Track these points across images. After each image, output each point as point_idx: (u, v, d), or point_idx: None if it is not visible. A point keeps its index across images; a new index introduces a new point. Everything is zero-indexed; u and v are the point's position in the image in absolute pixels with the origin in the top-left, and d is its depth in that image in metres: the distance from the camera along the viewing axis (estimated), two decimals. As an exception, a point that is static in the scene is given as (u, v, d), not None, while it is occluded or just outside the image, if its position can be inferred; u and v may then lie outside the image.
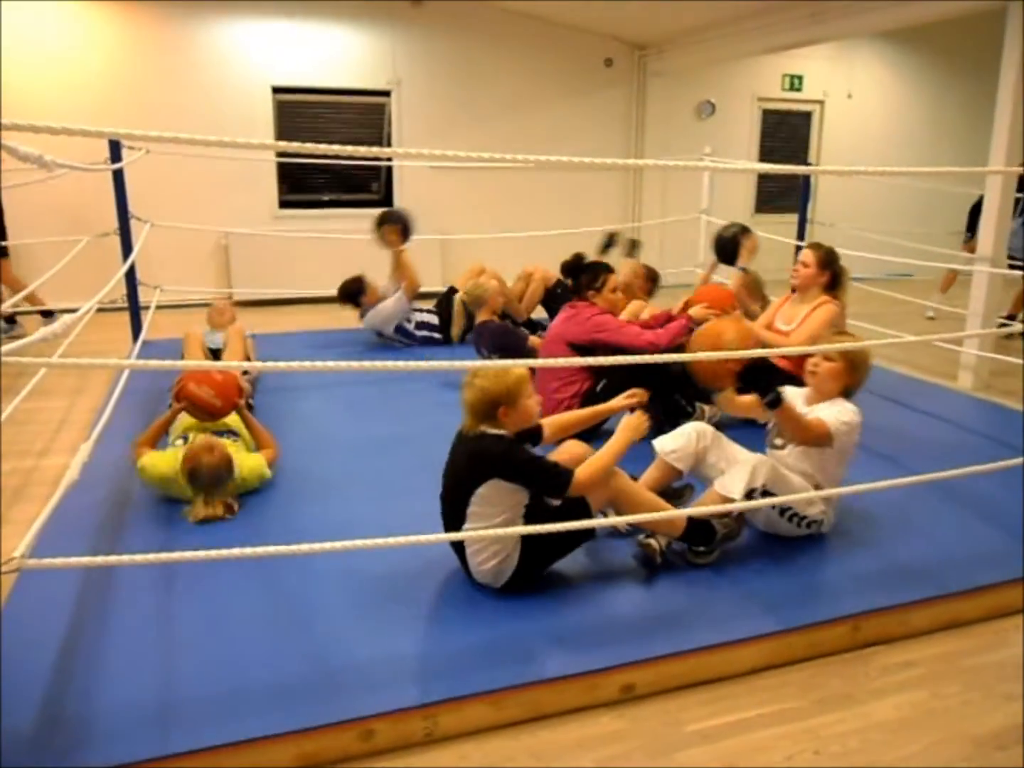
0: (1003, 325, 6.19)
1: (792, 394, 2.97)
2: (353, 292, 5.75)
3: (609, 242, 5.74)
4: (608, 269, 4.13)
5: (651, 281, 5.36)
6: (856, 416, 2.77)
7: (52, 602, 2.39)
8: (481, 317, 4.85)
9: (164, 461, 3.05)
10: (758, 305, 4.69)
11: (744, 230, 4.93)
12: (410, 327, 5.74)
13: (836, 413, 2.74)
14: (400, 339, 5.73)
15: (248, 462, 3.15)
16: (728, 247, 4.89)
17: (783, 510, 2.74)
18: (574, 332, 3.92)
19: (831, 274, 3.95)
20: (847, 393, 2.85)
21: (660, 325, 4.02)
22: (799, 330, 3.89)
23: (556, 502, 2.51)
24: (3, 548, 1.93)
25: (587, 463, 2.49)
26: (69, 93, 7.07)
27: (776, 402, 2.57)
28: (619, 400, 2.87)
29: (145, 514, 3.02)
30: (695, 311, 4.01)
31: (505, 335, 4.74)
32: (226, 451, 3.03)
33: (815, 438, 2.71)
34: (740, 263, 4.88)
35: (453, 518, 2.46)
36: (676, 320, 3.97)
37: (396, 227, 5.62)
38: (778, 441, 2.94)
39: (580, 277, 4.12)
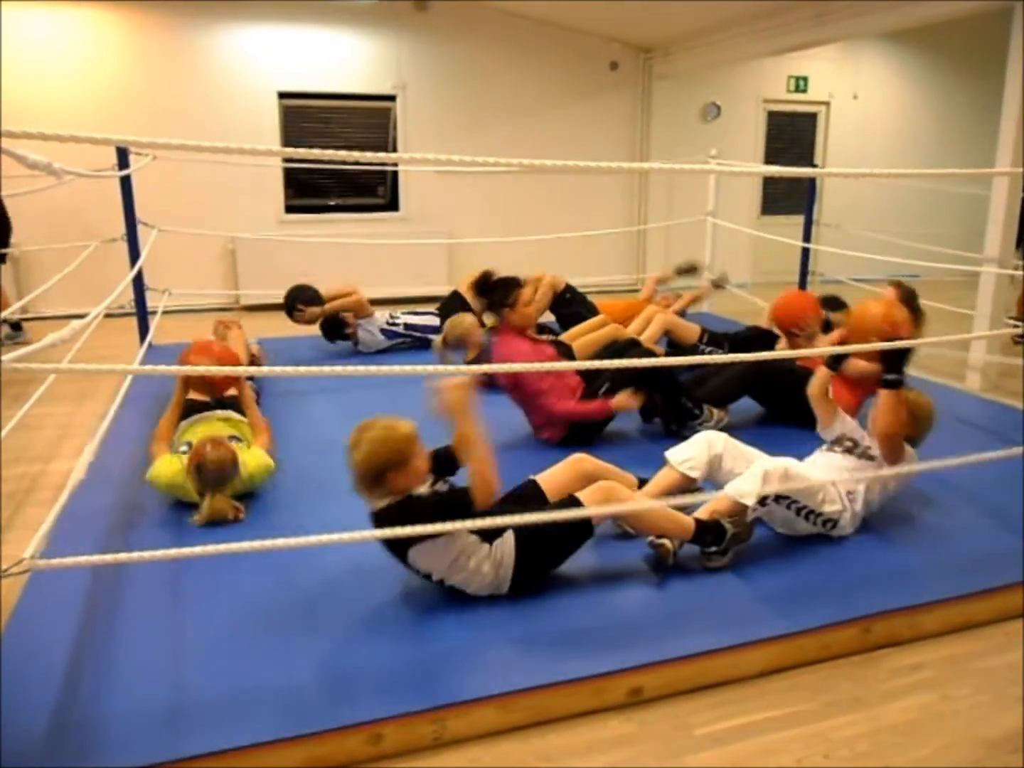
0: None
1: (853, 427, 3.08)
2: (337, 329, 5.62)
3: (688, 269, 5.78)
4: (519, 284, 3.87)
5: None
6: (914, 460, 2.88)
7: (62, 604, 2.40)
8: (469, 358, 4.64)
9: (170, 466, 3.07)
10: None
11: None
12: (398, 328, 5.69)
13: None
14: (397, 342, 5.70)
15: (254, 459, 3.15)
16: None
17: (798, 508, 2.74)
18: (502, 378, 3.78)
19: (913, 314, 3.87)
20: (909, 442, 2.92)
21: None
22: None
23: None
24: (14, 551, 1.94)
25: (473, 466, 2.32)
26: (75, 100, 7.11)
27: (898, 383, 2.72)
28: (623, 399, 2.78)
29: (153, 517, 3.03)
30: (617, 402, 3.67)
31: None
32: (231, 447, 3.06)
33: (897, 445, 2.81)
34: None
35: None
36: (602, 403, 3.69)
37: (305, 305, 5.54)
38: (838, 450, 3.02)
39: (492, 295, 3.89)
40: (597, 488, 2.56)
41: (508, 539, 2.40)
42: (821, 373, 3.14)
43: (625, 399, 3.61)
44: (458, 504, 2.29)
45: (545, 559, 2.51)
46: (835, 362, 3.14)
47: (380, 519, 2.30)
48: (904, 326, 2.87)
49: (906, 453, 2.86)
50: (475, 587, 2.42)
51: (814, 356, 4.16)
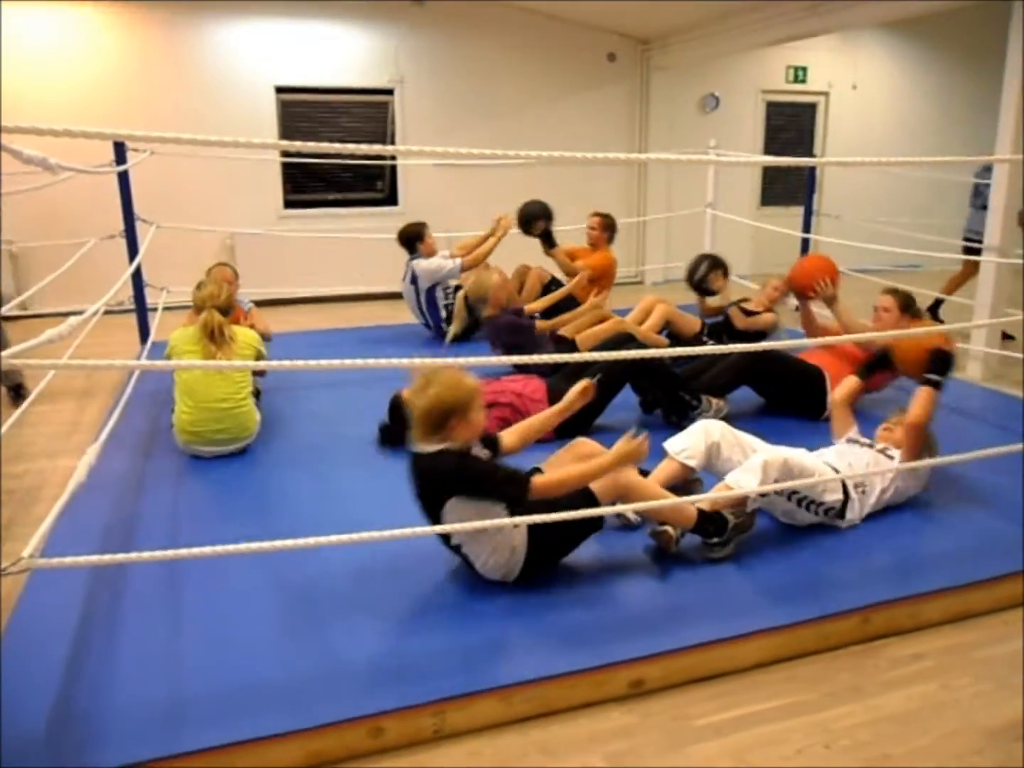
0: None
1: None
2: (413, 236, 5.73)
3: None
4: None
5: (609, 230, 5.76)
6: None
7: (62, 602, 2.40)
8: (487, 312, 4.83)
9: (184, 332, 3.68)
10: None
11: (714, 264, 5.04)
12: (440, 300, 5.73)
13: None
14: (423, 307, 5.74)
15: (243, 331, 3.76)
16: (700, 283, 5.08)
17: (799, 499, 2.74)
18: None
19: (911, 319, 3.85)
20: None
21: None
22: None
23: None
24: (15, 549, 1.94)
25: (556, 473, 2.43)
26: (72, 97, 7.09)
27: (939, 384, 2.91)
28: (573, 395, 2.71)
29: (154, 516, 3.03)
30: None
31: (519, 332, 4.67)
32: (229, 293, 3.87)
33: (922, 430, 2.94)
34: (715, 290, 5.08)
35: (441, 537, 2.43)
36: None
37: (509, 217, 5.75)
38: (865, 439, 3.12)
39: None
40: (583, 442, 2.62)
41: (523, 527, 2.42)
42: (851, 383, 3.29)
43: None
44: (513, 480, 2.32)
45: (556, 548, 2.51)
46: (868, 372, 3.32)
47: (432, 458, 2.31)
48: (950, 343, 3.08)
49: (929, 449, 2.97)
50: (486, 563, 2.42)
51: (811, 347, 4.20)
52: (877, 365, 3.38)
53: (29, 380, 4.51)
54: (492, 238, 5.71)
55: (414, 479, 2.39)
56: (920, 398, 2.94)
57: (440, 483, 2.33)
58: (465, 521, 2.30)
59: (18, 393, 4.45)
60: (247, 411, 3.59)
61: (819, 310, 4.43)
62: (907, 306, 3.87)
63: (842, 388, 3.32)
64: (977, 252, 5.80)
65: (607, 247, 5.84)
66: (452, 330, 5.47)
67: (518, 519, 2.27)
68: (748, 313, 4.80)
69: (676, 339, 4.99)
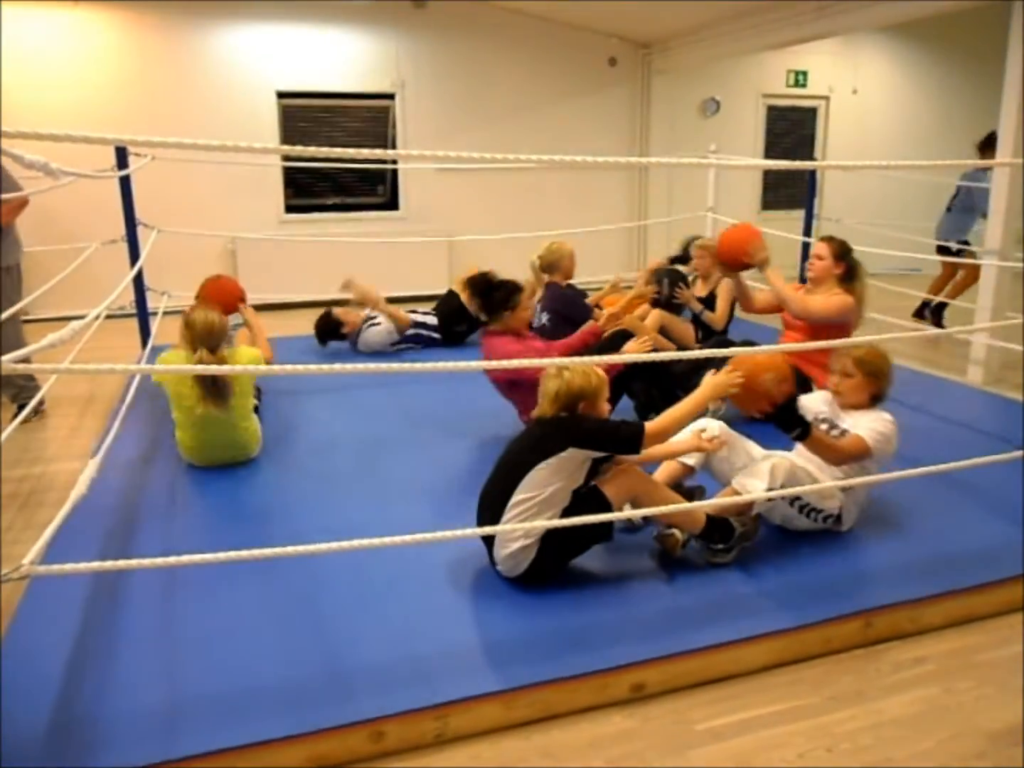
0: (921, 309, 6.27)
1: (818, 399, 3.02)
2: (332, 330, 5.66)
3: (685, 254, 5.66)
4: (519, 288, 3.86)
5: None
6: (892, 425, 2.80)
7: (62, 608, 2.40)
8: (552, 279, 4.90)
9: (175, 359, 3.41)
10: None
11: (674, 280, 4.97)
12: (408, 334, 5.70)
13: (872, 425, 2.76)
14: (399, 348, 5.70)
15: (245, 353, 3.53)
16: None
17: (800, 506, 2.74)
18: (496, 373, 3.75)
19: (846, 266, 3.93)
20: (876, 399, 2.88)
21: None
22: (816, 303, 3.88)
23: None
24: (15, 554, 1.94)
25: (660, 417, 2.57)
26: (73, 101, 7.11)
27: (804, 436, 2.62)
28: (718, 383, 2.65)
29: (154, 522, 3.03)
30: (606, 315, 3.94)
31: (572, 305, 4.74)
32: (221, 313, 3.47)
33: (854, 456, 2.74)
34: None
35: (493, 500, 2.49)
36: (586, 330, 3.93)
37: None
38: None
39: (493, 297, 3.82)
40: (618, 471, 2.59)
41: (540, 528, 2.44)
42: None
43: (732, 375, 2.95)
44: (625, 432, 2.49)
45: (563, 551, 2.51)
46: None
47: (557, 418, 2.49)
48: (782, 379, 2.64)
49: (879, 420, 2.78)
50: (511, 543, 2.44)
51: (810, 351, 4.18)
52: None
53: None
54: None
55: (527, 435, 2.58)
56: (817, 454, 2.74)
57: (563, 432, 2.45)
58: (547, 481, 2.41)
59: (35, 411, 4.49)
60: (250, 435, 3.52)
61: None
62: (842, 254, 3.93)
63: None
64: (948, 253, 5.89)
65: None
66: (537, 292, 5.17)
67: (545, 523, 2.33)
68: (703, 301, 4.88)
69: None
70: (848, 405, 2.90)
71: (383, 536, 2.06)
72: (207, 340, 3.30)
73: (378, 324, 5.62)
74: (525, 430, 2.59)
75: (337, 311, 5.66)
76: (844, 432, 2.84)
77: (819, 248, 4.00)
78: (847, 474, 2.79)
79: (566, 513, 2.41)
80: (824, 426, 2.90)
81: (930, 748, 1.97)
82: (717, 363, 3.96)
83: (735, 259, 4.10)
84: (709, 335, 4.79)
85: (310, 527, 2.93)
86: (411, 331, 5.69)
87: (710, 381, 2.65)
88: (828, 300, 3.88)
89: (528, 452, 2.48)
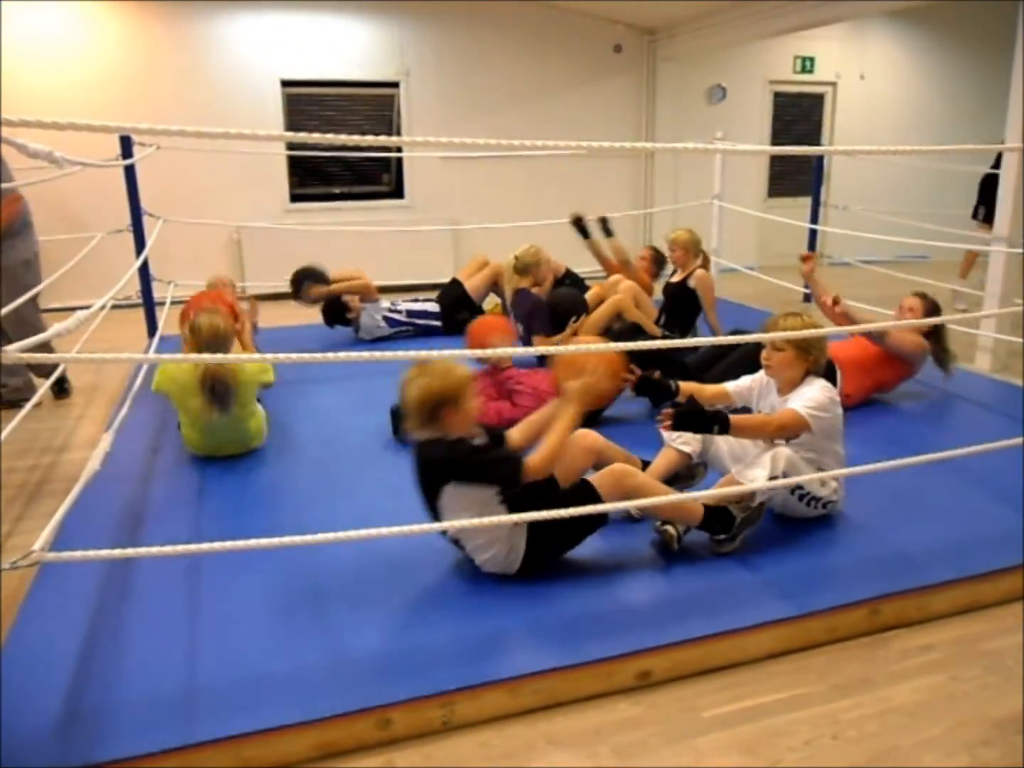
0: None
1: (752, 387, 2.97)
2: (338, 313, 5.67)
3: (606, 228, 5.60)
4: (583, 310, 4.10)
5: (657, 264, 5.65)
6: (828, 392, 2.74)
7: (73, 595, 2.41)
8: (522, 284, 4.87)
9: (177, 367, 3.31)
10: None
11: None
12: (400, 316, 5.71)
13: (805, 399, 2.69)
14: (400, 330, 5.70)
15: (252, 365, 3.36)
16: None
17: (801, 495, 2.73)
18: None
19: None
20: (812, 373, 2.80)
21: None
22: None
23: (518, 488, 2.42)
24: (25, 542, 1.95)
25: (540, 451, 2.41)
26: (76, 91, 7.09)
27: (724, 429, 2.55)
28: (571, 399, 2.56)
29: (163, 508, 3.04)
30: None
31: (538, 315, 4.68)
32: (227, 318, 3.33)
33: (791, 431, 2.67)
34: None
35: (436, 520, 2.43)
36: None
37: (312, 284, 5.55)
38: None
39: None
40: (608, 472, 2.56)
41: (522, 524, 2.40)
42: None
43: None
44: (508, 460, 2.36)
45: (557, 544, 2.51)
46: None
47: (427, 446, 2.35)
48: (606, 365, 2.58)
49: (812, 392, 2.71)
50: (484, 557, 2.43)
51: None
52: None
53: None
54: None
55: (414, 469, 2.41)
56: (749, 438, 2.76)
57: (434, 470, 2.35)
58: (461, 510, 2.31)
59: (61, 388, 4.52)
60: (254, 431, 3.52)
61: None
62: (933, 311, 4.04)
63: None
64: None
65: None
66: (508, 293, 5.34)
67: (516, 516, 2.25)
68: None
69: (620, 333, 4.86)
70: (783, 382, 2.81)
71: (390, 526, 2.06)
72: (214, 346, 3.22)
73: (373, 312, 5.66)
74: (414, 454, 2.41)
75: (345, 296, 5.65)
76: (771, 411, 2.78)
77: (911, 302, 4.15)
78: (806, 446, 2.72)
79: (553, 505, 2.29)
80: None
81: (936, 736, 1.97)
82: (732, 351, 3.98)
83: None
84: (677, 320, 4.80)
85: (316, 516, 2.94)
86: (407, 317, 5.70)
87: (564, 403, 2.48)
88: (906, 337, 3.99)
89: (422, 482, 2.38)
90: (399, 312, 5.72)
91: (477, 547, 2.43)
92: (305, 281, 5.52)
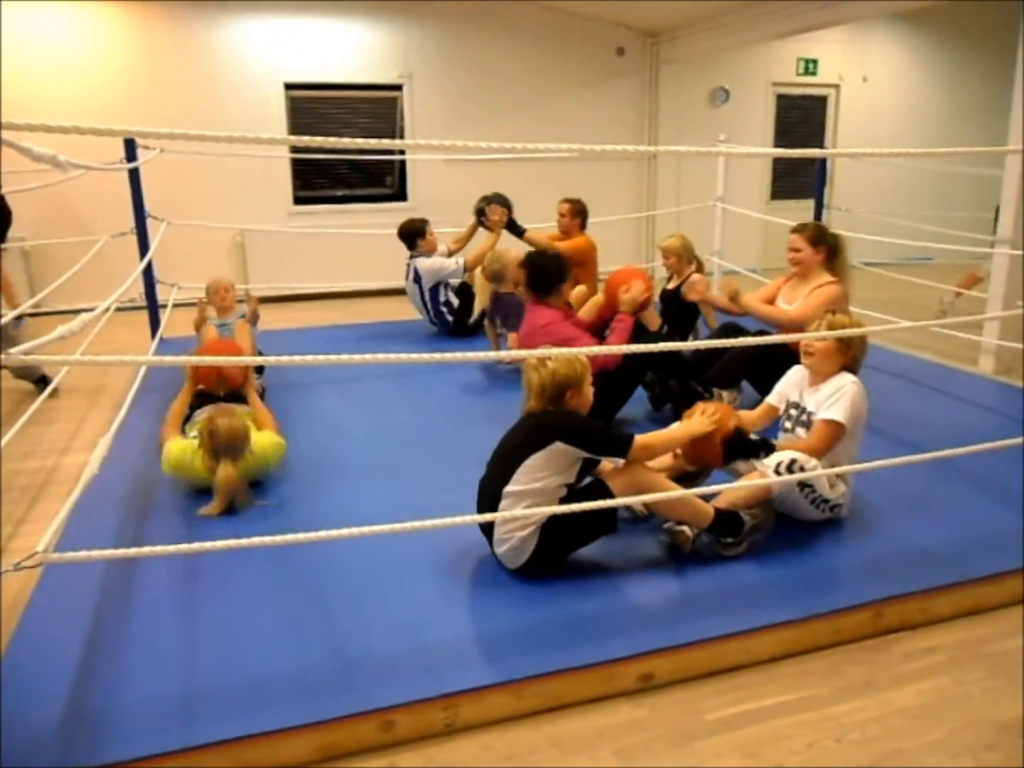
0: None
1: (791, 381, 3.02)
2: (414, 233, 5.74)
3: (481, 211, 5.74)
4: (569, 264, 4.09)
5: (580, 215, 5.69)
6: (859, 390, 2.79)
7: (75, 597, 2.42)
8: (503, 289, 4.89)
9: (179, 446, 3.10)
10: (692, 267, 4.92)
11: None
12: (442, 297, 5.73)
13: (835, 398, 2.75)
14: (427, 304, 5.73)
15: (265, 438, 3.18)
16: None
17: (811, 496, 2.74)
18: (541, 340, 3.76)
19: (826, 249, 3.90)
20: (848, 369, 2.86)
21: (604, 325, 4.06)
22: (798, 308, 3.86)
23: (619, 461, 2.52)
24: (28, 544, 1.95)
25: (653, 434, 2.62)
26: (80, 95, 7.11)
27: (770, 452, 2.69)
28: (700, 423, 2.72)
29: (166, 509, 3.04)
30: (625, 300, 3.89)
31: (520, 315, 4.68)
32: (244, 418, 3.15)
33: (832, 443, 2.75)
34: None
35: (490, 490, 2.51)
36: (620, 322, 3.87)
37: (501, 209, 5.62)
38: (788, 425, 2.97)
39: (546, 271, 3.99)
40: (624, 466, 2.57)
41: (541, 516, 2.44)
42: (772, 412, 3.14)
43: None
44: (615, 438, 2.48)
45: (566, 543, 2.51)
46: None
47: (547, 413, 2.51)
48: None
49: (845, 396, 2.76)
50: (505, 548, 2.46)
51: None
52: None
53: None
54: (493, 235, 5.64)
55: (518, 428, 2.57)
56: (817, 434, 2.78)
57: (557, 426, 2.46)
58: (537, 480, 2.42)
59: (44, 382, 4.50)
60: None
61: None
62: (817, 240, 3.91)
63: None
64: None
65: (581, 232, 5.72)
66: (477, 306, 5.52)
67: (526, 512, 2.32)
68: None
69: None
70: (818, 373, 2.87)
71: (392, 523, 2.07)
72: (231, 452, 3.00)
73: (445, 259, 5.74)
74: (517, 422, 2.60)
75: (430, 228, 5.78)
76: (810, 415, 2.85)
77: (794, 241, 3.96)
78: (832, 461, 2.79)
79: (567, 502, 2.41)
80: (794, 411, 2.94)
81: (939, 739, 1.97)
82: (726, 353, 3.98)
83: (612, 300, 4.07)
84: (677, 325, 4.79)
85: (319, 516, 2.93)
86: (443, 296, 5.73)
87: (697, 417, 2.71)
88: (808, 302, 3.82)
89: (519, 445, 2.50)
90: (445, 294, 5.75)
91: (506, 535, 2.45)
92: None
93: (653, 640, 2.18)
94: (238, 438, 3.01)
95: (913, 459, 2.72)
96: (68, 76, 7.09)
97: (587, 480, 2.57)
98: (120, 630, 2.26)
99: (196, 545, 1.98)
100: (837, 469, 2.73)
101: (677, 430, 2.70)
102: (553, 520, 2.40)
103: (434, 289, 5.70)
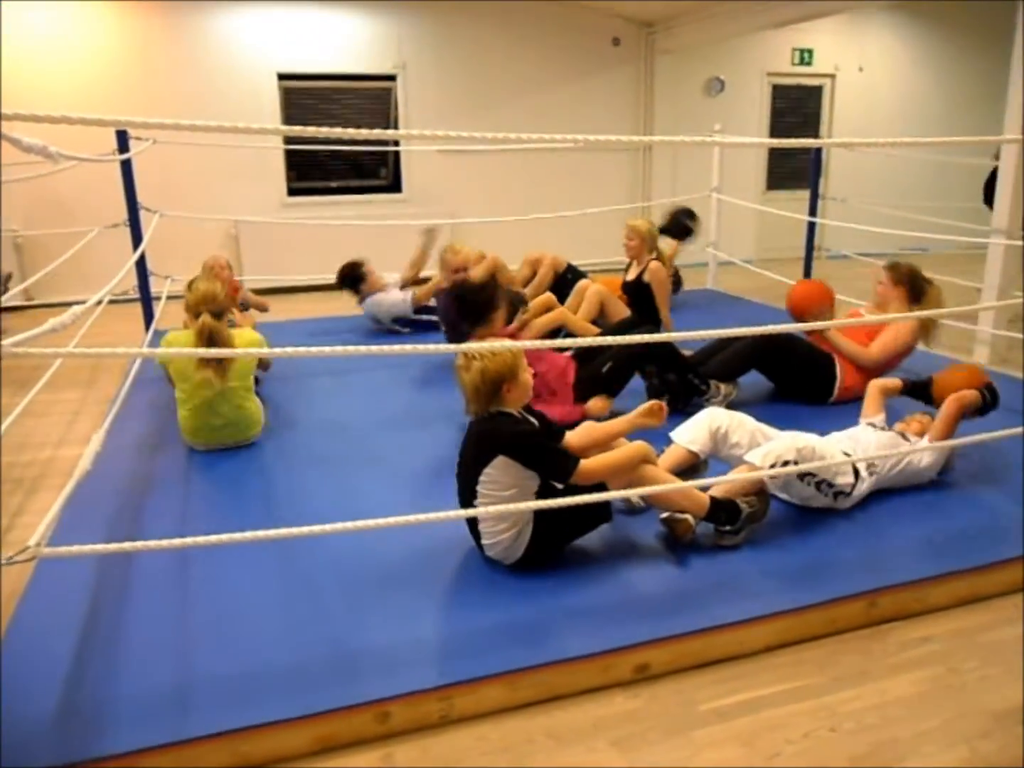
0: None
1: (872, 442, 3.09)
2: (353, 278, 5.66)
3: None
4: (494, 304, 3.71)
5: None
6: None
7: (69, 590, 2.41)
8: (444, 284, 4.81)
9: (179, 335, 3.48)
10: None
11: None
12: (409, 317, 5.67)
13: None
14: (398, 328, 5.67)
15: (243, 336, 3.49)
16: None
17: (818, 483, 2.75)
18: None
19: (908, 290, 4.02)
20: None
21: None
22: (874, 358, 3.99)
23: (559, 485, 2.49)
24: (22, 537, 1.94)
25: (598, 457, 2.52)
26: (72, 86, 7.08)
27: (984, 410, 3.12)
28: (640, 416, 2.77)
29: (160, 502, 3.04)
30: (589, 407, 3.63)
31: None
32: (225, 285, 3.55)
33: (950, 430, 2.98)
34: None
35: (466, 497, 2.49)
36: (571, 409, 3.59)
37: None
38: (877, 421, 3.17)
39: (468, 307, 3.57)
40: (577, 432, 2.63)
41: (529, 513, 2.42)
42: (896, 382, 3.39)
43: (597, 404, 3.60)
44: (559, 461, 2.43)
45: (561, 534, 2.52)
46: (906, 391, 3.42)
47: (488, 420, 2.43)
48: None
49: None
50: (494, 542, 2.44)
51: (818, 330, 4.17)
52: (916, 393, 3.42)
53: (35, 370, 4.51)
54: (421, 252, 5.59)
55: (467, 443, 2.49)
56: (948, 416, 2.98)
57: (496, 440, 2.40)
58: (501, 488, 2.39)
59: None
60: (250, 414, 3.52)
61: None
62: (900, 279, 4.02)
63: (887, 381, 3.41)
64: None
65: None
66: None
67: (534, 504, 2.29)
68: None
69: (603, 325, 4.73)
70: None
71: (387, 517, 2.06)
72: (211, 304, 3.32)
73: (395, 294, 5.62)
74: (472, 426, 2.52)
75: (368, 268, 5.64)
76: (907, 440, 3.06)
77: (879, 274, 4.13)
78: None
79: (562, 493, 2.40)
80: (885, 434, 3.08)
81: (935, 727, 1.97)
82: (730, 343, 3.97)
83: (801, 313, 4.20)
84: (641, 314, 4.80)
85: (313, 509, 2.93)
86: (415, 314, 5.67)
87: (640, 411, 2.76)
88: (886, 343, 3.97)
89: (473, 457, 2.46)
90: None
91: (493, 530, 2.44)
92: None
93: (648, 630, 2.18)
94: (216, 294, 3.35)
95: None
96: (60, 67, 7.05)
97: None
98: (114, 623, 2.26)
99: (190, 539, 1.97)
100: (831, 462, 2.74)
101: (622, 452, 2.59)
102: (546, 516, 2.39)
103: (398, 319, 5.64)
